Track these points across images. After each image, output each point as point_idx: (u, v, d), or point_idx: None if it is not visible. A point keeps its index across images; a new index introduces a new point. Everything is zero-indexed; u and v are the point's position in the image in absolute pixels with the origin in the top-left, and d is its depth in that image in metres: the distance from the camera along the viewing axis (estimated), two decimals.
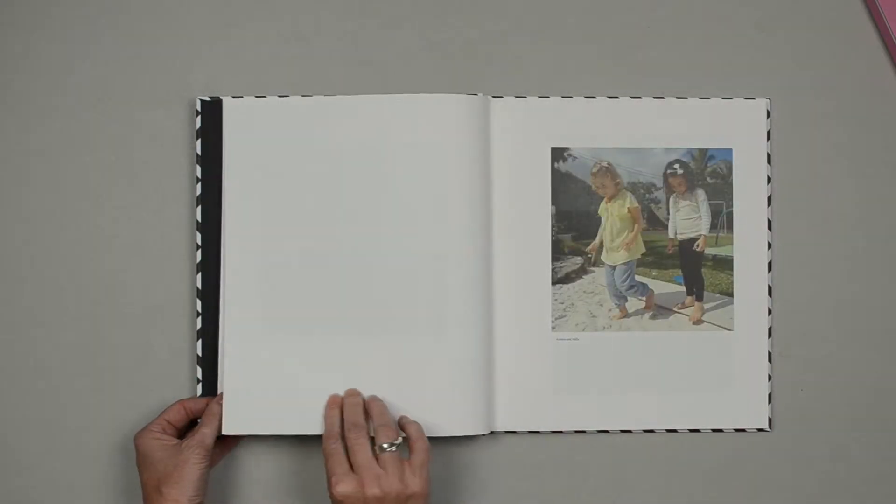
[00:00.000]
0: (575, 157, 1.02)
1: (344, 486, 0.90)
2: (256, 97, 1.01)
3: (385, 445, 0.92)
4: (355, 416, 0.95)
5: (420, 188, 0.99)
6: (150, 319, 1.02)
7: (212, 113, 1.01)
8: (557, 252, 1.02)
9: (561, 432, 1.02)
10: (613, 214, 1.03)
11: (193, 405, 0.98)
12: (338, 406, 0.97)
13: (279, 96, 1.01)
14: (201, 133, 1.01)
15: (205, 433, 0.95)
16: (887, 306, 1.03)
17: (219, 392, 0.99)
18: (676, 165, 1.03)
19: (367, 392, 0.98)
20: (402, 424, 0.96)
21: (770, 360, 1.02)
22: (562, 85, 1.03)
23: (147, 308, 1.02)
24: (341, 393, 0.98)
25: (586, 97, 1.03)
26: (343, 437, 0.93)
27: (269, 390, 0.99)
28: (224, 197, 1.00)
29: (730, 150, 1.03)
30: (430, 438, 0.96)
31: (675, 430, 1.02)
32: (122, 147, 1.02)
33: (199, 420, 0.98)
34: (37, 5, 1.03)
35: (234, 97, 1.01)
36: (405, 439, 0.94)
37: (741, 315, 1.02)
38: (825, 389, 1.03)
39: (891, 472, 1.03)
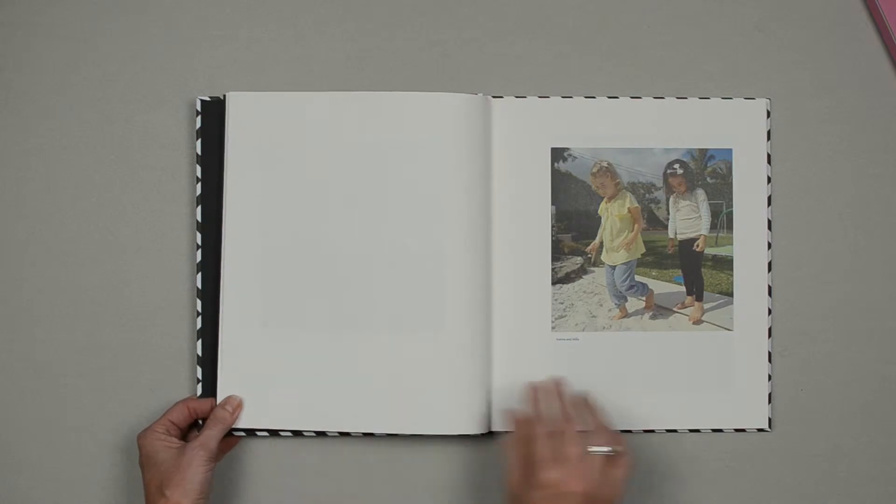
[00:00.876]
0: (575, 157, 1.02)
1: (552, 473, 0.88)
2: (259, 91, 1.01)
3: (604, 450, 0.90)
4: (572, 408, 0.94)
5: (420, 187, 0.99)
6: (150, 319, 1.02)
7: (212, 113, 1.01)
8: (557, 252, 1.02)
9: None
10: (613, 214, 1.03)
11: (197, 406, 0.98)
12: (556, 386, 0.96)
13: (281, 91, 1.01)
14: (201, 133, 1.01)
15: (209, 435, 0.95)
16: (887, 306, 1.03)
17: (219, 393, 0.99)
18: (676, 165, 1.03)
19: (366, 391, 0.98)
20: (612, 435, 0.93)
21: (770, 360, 1.02)
22: (562, 85, 1.03)
23: (147, 308, 1.02)
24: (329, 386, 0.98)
25: (586, 97, 1.03)
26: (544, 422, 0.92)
27: (269, 388, 0.99)
28: (225, 193, 1.00)
29: (730, 150, 1.03)
30: (430, 437, 0.97)
31: (675, 430, 1.02)
32: (122, 147, 1.03)
33: (201, 421, 0.98)
34: (37, 5, 1.03)
35: (235, 92, 1.01)
36: (616, 451, 0.91)
37: (741, 315, 1.02)
38: (825, 389, 1.03)
39: (891, 472, 1.03)
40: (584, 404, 0.96)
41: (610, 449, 0.90)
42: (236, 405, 0.98)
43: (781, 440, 1.03)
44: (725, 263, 1.02)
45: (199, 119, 1.01)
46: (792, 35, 1.05)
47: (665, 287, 1.03)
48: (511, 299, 1.01)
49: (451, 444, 1.02)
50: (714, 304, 1.02)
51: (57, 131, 1.03)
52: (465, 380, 0.98)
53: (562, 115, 1.02)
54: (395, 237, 0.99)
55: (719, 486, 1.03)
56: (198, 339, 1.00)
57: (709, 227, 1.03)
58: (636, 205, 1.03)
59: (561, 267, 1.02)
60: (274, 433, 1.00)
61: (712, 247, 1.03)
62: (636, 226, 1.03)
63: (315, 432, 1.00)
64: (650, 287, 1.02)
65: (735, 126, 1.03)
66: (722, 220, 1.03)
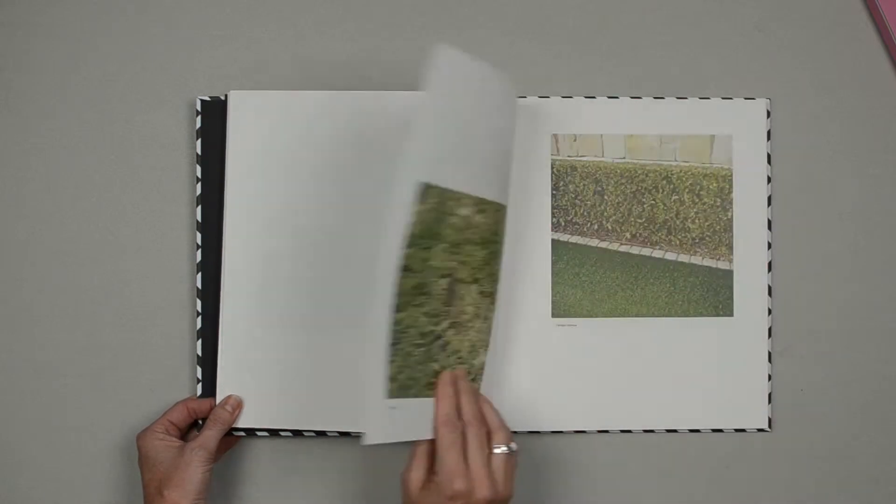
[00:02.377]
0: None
1: (462, 484, 0.87)
2: (260, 90, 1.01)
3: (505, 448, 0.89)
4: (475, 407, 0.91)
5: None
6: (150, 319, 1.02)
7: (212, 113, 1.01)
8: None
9: (561, 432, 1.02)
10: None
11: (197, 406, 0.98)
12: (453, 386, 0.92)
13: (282, 90, 1.01)
14: (201, 133, 1.01)
15: (208, 436, 0.95)
16: (887, 306, 1.03)
17: (219, 393, 0.99)
18: None
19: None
20: (508, 430, 0.92)
21: (770, 360, 1.02)
22: (562, 85, 1.03)
23: (147, 308, 1.02)
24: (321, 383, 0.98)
25: (586, 97, 1.03)
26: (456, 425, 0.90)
27: (269, 388, 0.99)
28: (225, 193, 1.00)
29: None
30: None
31: (675, 430, 1.02)
32: (122, 147, 1.03)
33: (201, 421, 0.98)
34: (37, 5, 1.03)
35: (236, 90, 1.01)
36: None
37: (741, 314, 1.02)
38: (825, 389, 1.03)
39: (891, 472, 1.03)
40: (481, 398, 0.93)
41: (509, 448, 0.89)
42: (236, 405, 0.98)
43: (781, 440, 1.03)
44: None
45: (199, 119, 1.01)
46: (792, 35, 1.05)
47: None
48: (510, 295, 1.01)
49: None
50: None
51: (57, 131, 1.03)
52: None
53: (562, 115, 1.02)
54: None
55: (719, 486, 1.03)
56: (198, 339, 1.00)
57: None
58: None
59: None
60: (274, 433, 1.00)
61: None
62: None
63: (315, 432, 1.00)
64: None
65: (735, 126, 1.03)
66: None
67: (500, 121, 0.94)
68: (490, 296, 0.96)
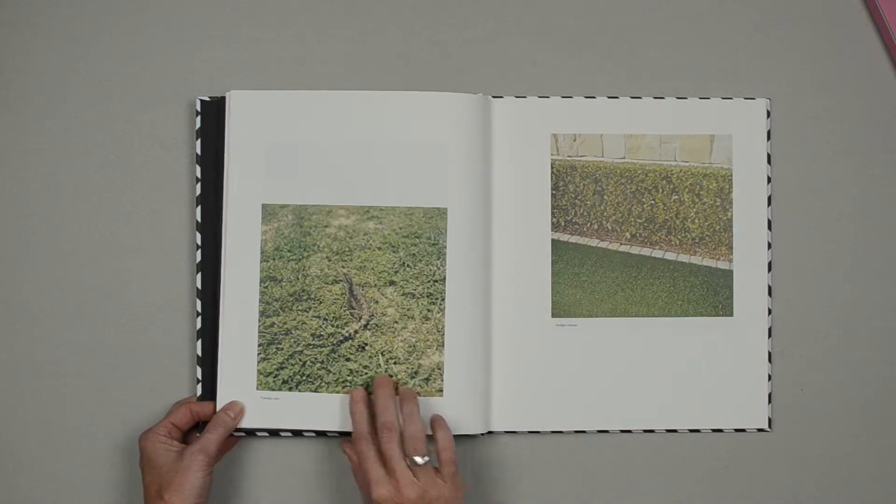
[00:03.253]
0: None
1: (383, 490, 0.89)
2: (260, 90, 1.01)
3: (417, 460, 0.91)
4: (389, 417, 0.93)
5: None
6: (150, 319, 1.02)
7: (211, 112, 1.01)
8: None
9: (561, 432, 1.02)
10: None
11: (200, 409, 0.98)
12: (364, 402, 0.95)
13: (282, 90, 1.01)
14: (201, 133, 1.01)
15: (209, 439, 0.95)
16: (887, 306, 1.03)
17: (218, 394, 0.99)
18: None
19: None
20: (432, 428, 0.95)
21: (770, 360, 1.02)
22: (562, 85, 1.03)
23: (147, 308, 1.02)
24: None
25: (586, 97, 1.03)
26: (372, 437, 0.92)
27: (269, 388, 0.99)
28: (225, 193, 1.00)
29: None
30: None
31: (675, 430, 1.02)
32: (122, 147, 1.03)
33: (202, 423, 0.98)
34: (37, 5, 1.03)
35: (236, 91, 1.01)
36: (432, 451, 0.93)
37: (741, 315, 1.02)
38: (825, 389, 1.03)
39: (891, 472, 1.03)
40: (407, 405, 0.95)
41: (422, 458, 0.91)
42: (238, 410, 0.98)
43: (781, 440, 1.03)
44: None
45: (198, 119, 1.01)
46: (792, 35, 1.05)
47: None
48: (510, 298, 1.01)
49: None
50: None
51: (57, 131, 1.03)
52: (464, 380, 0.98)
53: (562, 115, 1.02)
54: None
55: (719, 486, 1.03)
56: (198, 340, 1.00)
57: None
58: None
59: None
60: (274, 433, 1.00)
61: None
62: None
63: (315, 432, 1.00)
64: None
65: (735, 126, 1.03)
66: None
67: (337, 136, 0.99)
68: (427, 296, 0.98)
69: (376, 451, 0.91)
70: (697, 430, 1.02)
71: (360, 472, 0.92)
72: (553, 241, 1.02)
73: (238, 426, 0.98)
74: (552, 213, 1.02)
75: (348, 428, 0.98)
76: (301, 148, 1.00)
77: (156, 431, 0.95)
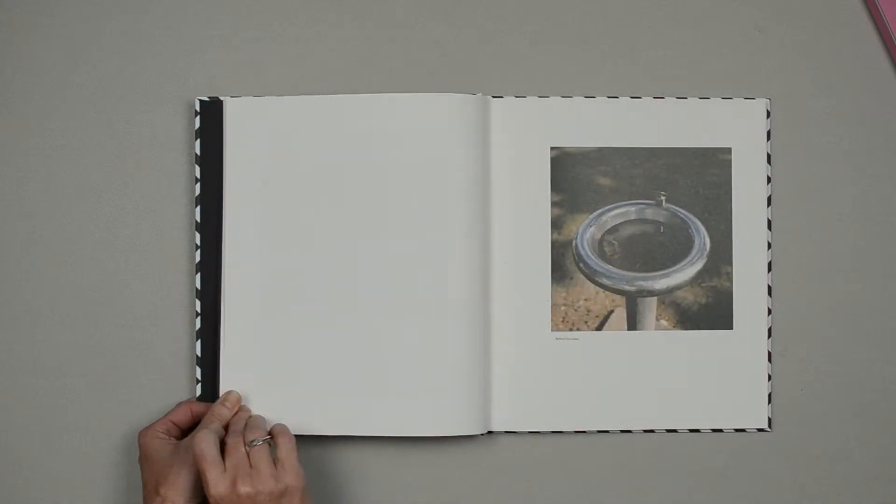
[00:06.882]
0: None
1: (217, 487, 0.89)
2: (256, 97, 1.01)
3: (253, 441, 0.91)
4: (239, 424, 0.95)
5: (419, 188, 0.99)
6: (149, 319, 1.02)
7: (211, 113, 1.01)
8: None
9: (561, 432, 1.02)
10: None
11: (200, 409, 0.98)
12: (215, 414, 0.96)
13: (279, 96, 1.01)
14: (200, 133, 1.01)
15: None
16: (887, 306, 1.03)
17: (220, 394, 0.99)
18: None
19: (366, 393, 0.99)
20: (273, 431, 0.96)
21: (770, 360, 1.02)
22: (562, 85, 1.03)
23: (147, 308, 1.02)
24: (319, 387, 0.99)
25: (586, 97, 1.03)
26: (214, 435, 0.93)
27: (269, 389, 0.99)
28: (224, 196, 1.00)
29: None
30: (428, 438, 0.97)
31: (675, 430, 1.02)
32: (122, 147, 1.03)
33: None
34: (37, 5, 1.03)
35: (233, 97, 1.01)
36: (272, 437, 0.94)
37: (741, 315, 1.02)
38: (825, 389, 1.03)
39: (891, 472, 1.03)
40: (226, 406, 0.97)
41: (263, 439, 0.92)
42: (235, 402, 0.98)
43: (781, 440, 1.03)
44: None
45: (198, 119, 1.01)
46: (792, 35, 1.04)
47: None
48: (510, 299, 1.01)
49: (451, 444, 1.02)
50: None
51: (57, 131, 1.03)
52: (464, 380, 0.98)
53: (561, 115, 1.02)
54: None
55: (719, 486, 1.03)
56: (198, 340, 1.00)
57: None
58: None
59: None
60: None
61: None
62: None
63: (315, 432, 1.00)
64: None
65: (735, 126, 1.03)
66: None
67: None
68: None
69: (218, 452, 0.91)
70: (697, 430, 1.02)
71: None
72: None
73: None
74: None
75: (349, 429, 0.98)
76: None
77: (155, 428, 0.95)
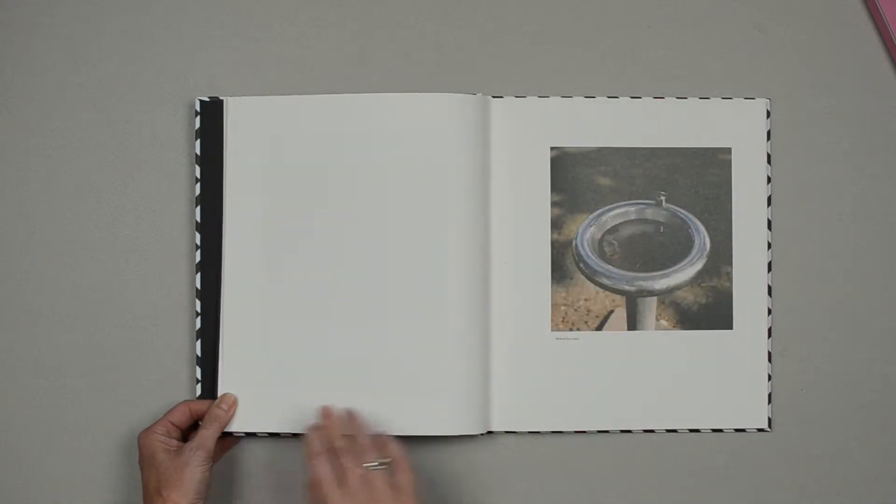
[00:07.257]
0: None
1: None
2: (256, 97, 1.01)
3: (375, 464, 0.91)
4: (339, 437, 0.94)
5: (419, 188, 0.99)
6: (149, 319, 1.02)
7: (211, 113, 1.01)
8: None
9: (561, 432, 1.02)
10: None
11: (198, 407, 0.98)
12: (316, 429, 0.95)
13: (279, 96, 1.01)
14: (200, 133, 1.01)
15: (205, 436, 0.95)
16: (887, 306, 1.03)
17: (219, 394, 0.99)
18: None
19: (367, 392, 0.98)
20: (383, 442, 0.94)
21: (770, 360, 1.02)
22: (562, 85, 1.03)
23: (147, 308, 1.02)
24: (318, 396, 0.99)
25: (586, 97, 1.03)
26: (327, 457, 0.92)
27: (269, 389, 0.99)
28: (224, 196, 1.00)
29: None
30: (428, 438, 0.96)
31: (675, 430, 1.02)
32: (122, 147, 1.03)
33: (200, 422, 0.98)
34: (37, 5, 1.03)
35: (233, 97, 1.01)
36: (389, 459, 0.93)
37: (741, 315, 1.02)
38: (825, 389, 1.03)
39: (891, 472, 1.03)
40: (351, 420, 0.96)
41: (379, 463, 0.91)
42: (231, 403, 0.98)
43: (781, 440, 1.03)
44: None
45: (198, 119, 1.01)
46: (792, 35, 1.04)
47: None
48: (510, 299, 1.01)
49: (451, 444, 1.02)
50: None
51: (57, 131, 1.03)
52: (464, 379, 0.98)
53: (561, 115, 1.02)
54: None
55: (719, 486, 1.03)
56: (198, 339, 1.00)
57: None
58: None
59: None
60: (274, 434, 1.00)
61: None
62: None
63: None
64: None
65: (735, 126, 1.03)
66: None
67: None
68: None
69: (331, 469, 0.90)
70: (697, 430, 1.02)
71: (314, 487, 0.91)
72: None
73: (239, 428, 0.98)
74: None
75: (347, 429, 0.98)
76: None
77: (154, 430, 0.95)
